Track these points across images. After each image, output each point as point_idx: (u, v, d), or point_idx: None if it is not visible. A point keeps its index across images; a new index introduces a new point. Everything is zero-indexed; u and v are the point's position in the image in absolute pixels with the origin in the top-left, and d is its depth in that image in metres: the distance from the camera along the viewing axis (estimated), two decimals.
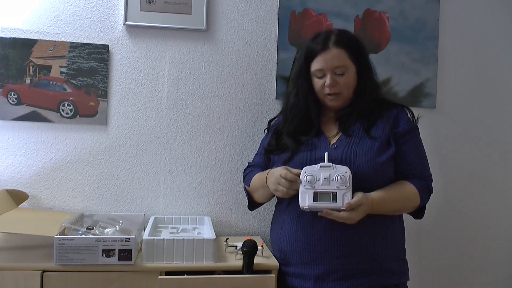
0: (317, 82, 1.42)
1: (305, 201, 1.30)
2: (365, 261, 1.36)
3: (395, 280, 1.41)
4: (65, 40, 1.77)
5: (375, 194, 1.33)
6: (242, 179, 1.69)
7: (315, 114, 1.45)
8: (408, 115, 1.46)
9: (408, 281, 1.47)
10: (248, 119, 1.87)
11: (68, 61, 1.77)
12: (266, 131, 1.67)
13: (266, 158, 1.56)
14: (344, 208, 1.27)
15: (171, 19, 1.80)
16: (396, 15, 1.94)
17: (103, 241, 1.38)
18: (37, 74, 1.76)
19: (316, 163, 1.33)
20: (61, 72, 1.77)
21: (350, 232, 1.34)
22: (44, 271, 1.36)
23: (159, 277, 1.37)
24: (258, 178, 1.51)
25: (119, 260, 1.38)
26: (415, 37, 1.95)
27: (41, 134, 1.77)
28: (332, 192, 1.28)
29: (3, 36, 1.74)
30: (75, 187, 1.79)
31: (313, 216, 1.35)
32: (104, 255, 1.37)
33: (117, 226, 1.54)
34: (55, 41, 1.76)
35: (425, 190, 1.43)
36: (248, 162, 1.70)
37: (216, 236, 1.48)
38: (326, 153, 1.35)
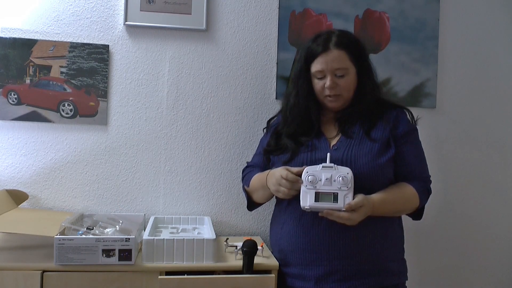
0: (317, 83, 1.42)
1: (306, 201, 1.30)
2: (365, 261, 1.36)
3: (395, 280, 1.41)
4: (65, 40, 1.77)
5: (376, 196, 1.33)
6: (241, 179, 1.69)
7: (315, 115, 1.45)
8: (408, 116, 1.47)
9: (406, 281, 1.47)
10: (248, 119, 1.87)
11: (68, 61, 1.77)
12: (265, 130, 1.67)
13: (265, 159, 1.55)
14: (344, 209, 1.27)
15: (171, 19, 1.80)
16: (396, 15, 1.94)
17: (103, 241, 1.38)
18: (37, 74, 1.76)
19: (316, 164, 1.33)
20: (61, 72, 1.77)
21: (350, 233, 1.34)
22: (44, 271, 1.36)
23: (159, 277, 1.37)
24: (257, 178, 1.51)
25: (119, 260, 1.38)
26: (415, 37, 1.95)
27: (41, 134, 1.77)
28: (334, 193, 1.28)
29: (3, 36, 1.74)
30: (75, 187, 1.79)
31: (313, 217, 1.35)
32: (104, 255, 1.37)
33: (117, 226, 1.54)
34: (55, 41, 1.76)
35: (424, 192, 1.43)
36: (247, 162, 1.70)
37: (216, 236, 1.48)
38: (328, 154, 1.34)
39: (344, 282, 1.35)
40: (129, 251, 1.38)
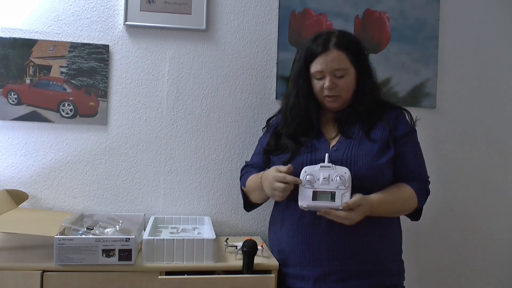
0: (317, 84, 1.42)
1: (304, 200, 1.30)
2: (364, 262, 1.36)
3: (394, 280, 1.41)
4: (65, 40, 1.77)
5: (374, 196, 1.33)
6: (239, 179, 1.69)
7: (315, 115, 1.45)
8: (407, 117, 1.47)
9: (405, 281, 1.47)
10: (248, 119, 1.87)
11: (68, 61, 1.77)
12: (264, 130, 1.66)
13: (265, 158, 1.55)
14: (341, 208, 1.27)
15: (171, 19, 1.80)
16: (396, 15, 1.94)
17: (103, 241, 1.38)
18: (37, 74, 1.76)
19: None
20: (61, 72, 1.77)
21: (349, 234, 1.34)
22: (44, 271, 1.36)
23: (159, 277, 1.37)
24: (253, 180, 1.51)
25: (119, 260, 1.38)
26: (415, 37, 1.95)
27: (41, 134, 1.77)
28: (331, 192, 1.29)
29: (3, 36, 1.74)
30: (75, 187, 1.79)
31: (312, 217, 1.35)
32: (104, 255, 1.37)
33: (117, 226, 1.54)
34: (55, 41, 1.76)
35: (423, 192, 1.44)
36: (246, 162, 1.70)
37: (216, 236, 1.48)
38: (326, 154, 1.35)
39: (343, 283, 1.35)
40: (129, 251, 1.38)
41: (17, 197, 1.70)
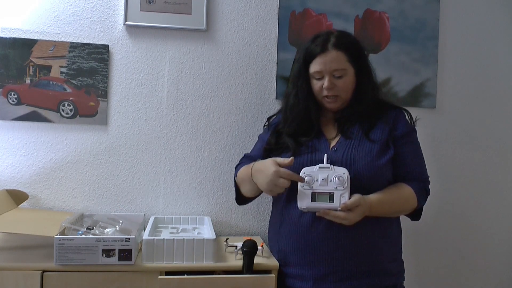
0: (316, 84, 1.42)
1: (303, 201, 1.30)
2: (364, 262, 1.35)
3: (393, 280, 1.41)
4: (65, 40, 1.77)
5: (373, 196, 1.33)
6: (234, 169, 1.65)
7: (315, 115, 1.45)
8: (407, 117, 1.47)
9: (404, 282, 1.47)
10: (248, 119, 1.87)
11: (68, 61, 1.77)
12: (265, 127, 1.65)
13: (265, 156, 1.54)
14: (340, 209, 1.27)
15: (171, 19, 1.80)
16: (396, 15, 1.94)
17: (103, 241, 1.38)
18: (37, 74, 1.76)
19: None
20: (61, 72, 1.77)
21: (349, 234, 1.33)
22: (44, 271, 1.36)
23: (159, 277, 1.37)
24: (244, 171, 1.47)
25: (119, 260, 1.38)
26: (415, 37, 1.95)
27: (41, 134, 1.77)
28: (330, 193, 1.29)
29: (3, 36, 1.74)
30: (75, 187, 1.79)
31: (312, 217, 1.35)
32: (104, 255, 1.37)
33: (117, 226, 1.54)
34: (55, 41, 1.76)
35: (422, 192, 1.43)
36: (245, 154, 1.66)
37: (216, 236, 1.48)
38: (325, 155, 1.35)
39: (343, 283, 1.35)
40: (129, 251, 1.38)
41: (17, 197, 1.70)
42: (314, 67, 1.40)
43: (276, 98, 1.87)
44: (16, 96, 1.74)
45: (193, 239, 1.43)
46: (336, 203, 1.28)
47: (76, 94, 1.77)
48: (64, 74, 1.77)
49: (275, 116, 1.62)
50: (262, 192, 1.47)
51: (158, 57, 1.82)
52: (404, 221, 1.51)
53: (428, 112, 1.94)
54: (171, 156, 1.84)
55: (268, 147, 1.52)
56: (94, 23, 1.79)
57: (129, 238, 1.39)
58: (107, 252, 1.37)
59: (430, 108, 1.96)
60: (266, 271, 1.44)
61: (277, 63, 1.87)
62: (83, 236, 1.41)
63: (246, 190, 1.50)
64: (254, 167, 1.40)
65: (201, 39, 1.84)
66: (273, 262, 1.46)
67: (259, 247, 1.44)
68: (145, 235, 1.45)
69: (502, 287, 2.06)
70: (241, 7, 1.86)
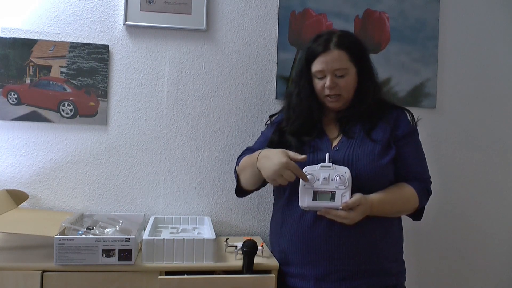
0: (318, 83, 1.42)
1: (305, 200, 1.30)
2: (365, 262, 1.35)
3: (394, 280, 1.41)
4: (65, 40, 1.77)
5: (374, 196, 1.33)
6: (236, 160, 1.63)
7: (317, 115, 1.45)
8: (408, 117, 1.47)
9: (405, 282, 1.47)
10: (248, 119, 1.87)
11: (68, 61, 1.77)
12: (267, 125, 1.64)
13: None
14: (341, 208, 1.27)
15: (171, 19, 1.80)
16: (396, 15, 1.94)
17: (103, 241, 1.38)
18: (37, 74, 1.76)
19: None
20: (61, 72, 1.77)
21: (350, 233, 1.33)
22: (44, 271, 1.36)
23: (159, 277, 1.37)
24: (249, 158, 1.44)
25: (119, 260, 1.38)
26: (415, 37, 1.95)
27: (41, 134, 1.77)
28: (331, 192, 1.29)
29: (3, 36, 1.74)
30: (75, 187, 1.79)
31: (313, 216, 1.35)
32: (104, 255, 1.37)
33: (117, 226, 1.54)
34: (55, 41, 1.76)
35: (424, 192, 1.43)
36: (248, 147, 1.63)
37: (216, 236, 1.48)
38: (327, 154, 1.35)
39: (344, 282, 1.35)
40: (129, 251, 1.38)
41: (17, 197, 1.70)
42: (316, 66, 1.40)
43: (276, 98, 1.87)
44: (16, 96, 1.74)
45: (193, 239, 1.43)
46: (337, 202, 1.28)
47: (76, 94, 1.77)
48: (64, 74, 1.77)
49: (277, 115, 1.61)
50: (260, 185, 1.48)
51: (158, 57, 1.82)
52: (405, 221, 1.51)
53: (428, 112, 1.94)
54: (171, 156, 1.84)
55: (271, 145, 1.51)
56: (94, 23, 1.79)
57: (129, 238, 1.39)
58: (107, 252, 1.37)
59: (430, 108, 1.96)
60: (266, 271, 1.44)
61: (277, 63, 1.87)
62: (83, 236, 1.41)
63: (245, 178, 1.48)
64: (262, 153, 1.37)
65: (201, 39, 1.84)
66: (273, 262, 1.46)
67: (259, 247, 1.44)
68: (145, 235, 1.45)
69: (502, 287, 2.06)
70: (241, 7, 1.86)
